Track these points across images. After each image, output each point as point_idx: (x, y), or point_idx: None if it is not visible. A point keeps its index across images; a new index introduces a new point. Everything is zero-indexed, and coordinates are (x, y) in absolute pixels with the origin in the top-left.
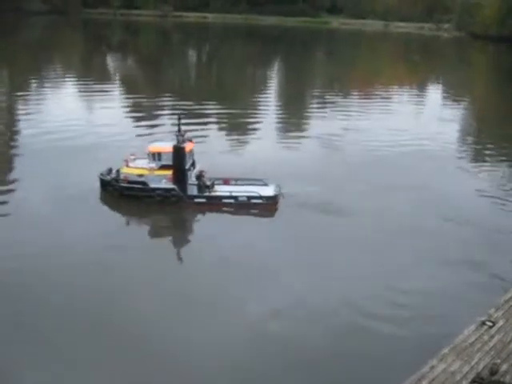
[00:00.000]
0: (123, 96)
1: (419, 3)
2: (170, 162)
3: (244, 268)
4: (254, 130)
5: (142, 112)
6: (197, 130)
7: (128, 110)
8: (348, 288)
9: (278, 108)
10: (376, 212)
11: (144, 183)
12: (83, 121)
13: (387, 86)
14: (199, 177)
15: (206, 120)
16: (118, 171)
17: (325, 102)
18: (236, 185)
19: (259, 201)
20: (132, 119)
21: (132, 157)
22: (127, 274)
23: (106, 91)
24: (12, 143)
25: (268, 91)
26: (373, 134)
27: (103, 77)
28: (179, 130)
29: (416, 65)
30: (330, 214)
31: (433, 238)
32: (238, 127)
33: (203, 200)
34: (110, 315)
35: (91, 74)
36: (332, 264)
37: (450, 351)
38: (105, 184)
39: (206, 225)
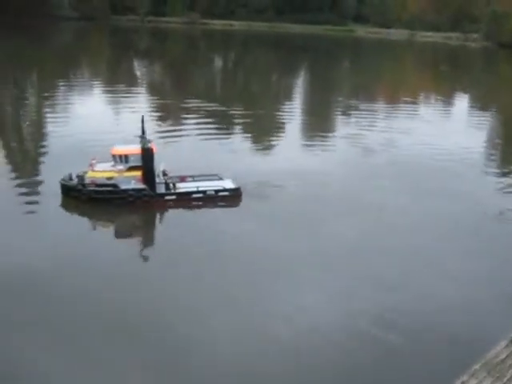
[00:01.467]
0: (148, 100)
1: (446, 13)
2: (137, 164)
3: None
4: (277, 133)
5: (167, 115)
6: (222, 135)
7: (153, 113)
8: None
9: (302, 114)
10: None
11: (115, 185)
12: (108, 123)
13: (413, 96)
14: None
15: (230, 123)
16: (79, 176)
17: (350, 110)
18: (193, 181)
19: (226, 193)
20: (156, 122)
21: (94, 161)
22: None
23: (132, 95)
24: (39, 143)
25: (292, 97)
26: (399, 142)
27: (130, 81)
28: (143, 132)
29: (443, 74)
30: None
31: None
32: (261, 131)
33: (173, 197)
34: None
35: (118, 79)
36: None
37: (481, 367)
38: (69, 189)
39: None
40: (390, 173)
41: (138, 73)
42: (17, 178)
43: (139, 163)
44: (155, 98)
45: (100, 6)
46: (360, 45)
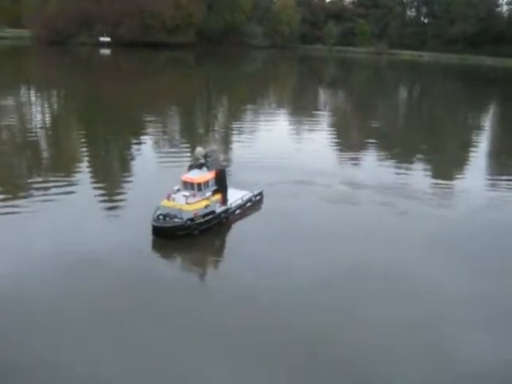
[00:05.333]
0: (330, 129)
1: None
2: (213, 187)
3: None
4: (456, 163)
5: (347, 148)
6: (400, 174)
7: (332, 143)
8: None
9: (487, 148)
10: None
11: (213, 212)
12: (286, 149)
13: None
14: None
15: (409, 151)
16: (167, 214)
17: None
18: None
19: (259, 197)
20: (336, 153)
21: (174, 195)
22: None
23: (315, 123)
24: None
25: (478, 138)
26: None
27: (313, 109)
28: (205, 157)
29: None
30: None
31: None
32: (439, 160)
33: (239, 210)
34: None
35: (302, 104)
36: None
37: None
38: (176, 229)
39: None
40: None
41: (322, 99)
42: None
43: (214, 186)
44: (336, 122)
45: (291, 36)
46: None
